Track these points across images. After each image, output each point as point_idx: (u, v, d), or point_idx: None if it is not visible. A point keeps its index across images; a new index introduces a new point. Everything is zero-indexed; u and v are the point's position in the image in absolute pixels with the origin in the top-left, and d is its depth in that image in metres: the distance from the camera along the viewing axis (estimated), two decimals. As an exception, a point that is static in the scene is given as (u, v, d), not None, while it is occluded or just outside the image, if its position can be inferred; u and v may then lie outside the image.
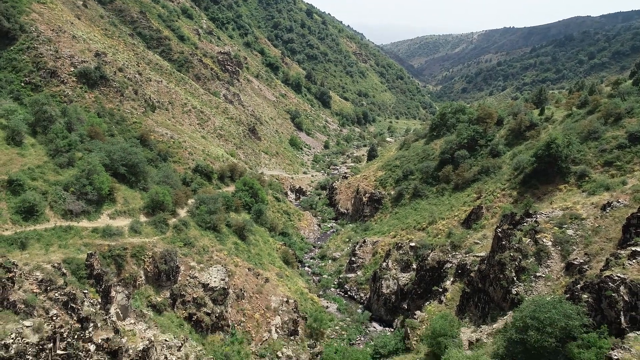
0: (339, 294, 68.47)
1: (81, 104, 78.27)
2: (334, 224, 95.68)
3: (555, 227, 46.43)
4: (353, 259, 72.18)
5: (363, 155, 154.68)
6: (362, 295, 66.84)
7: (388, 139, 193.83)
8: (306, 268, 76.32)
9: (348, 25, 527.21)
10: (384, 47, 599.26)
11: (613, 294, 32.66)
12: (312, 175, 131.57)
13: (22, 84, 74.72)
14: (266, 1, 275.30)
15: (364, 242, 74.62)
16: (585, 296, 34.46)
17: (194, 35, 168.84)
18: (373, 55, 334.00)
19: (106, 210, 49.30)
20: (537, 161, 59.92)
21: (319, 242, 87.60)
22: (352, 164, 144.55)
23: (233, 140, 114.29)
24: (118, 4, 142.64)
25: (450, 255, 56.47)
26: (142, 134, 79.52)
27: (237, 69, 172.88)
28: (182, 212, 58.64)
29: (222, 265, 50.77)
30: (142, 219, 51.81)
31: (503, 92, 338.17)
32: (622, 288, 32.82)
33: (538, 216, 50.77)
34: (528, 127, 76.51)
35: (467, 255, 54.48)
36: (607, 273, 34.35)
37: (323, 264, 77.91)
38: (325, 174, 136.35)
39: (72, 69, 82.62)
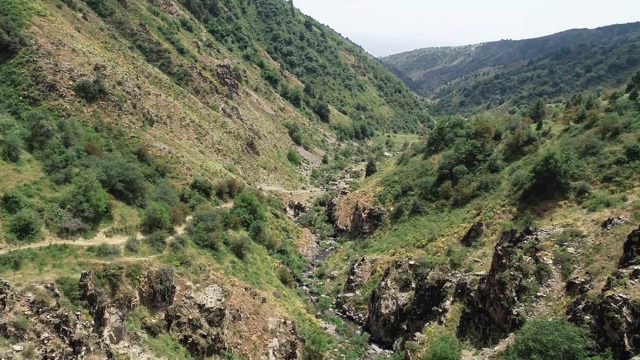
0: (337, 314, 67.56)
1: (79, 118, 78.05)
2: (333, 241, 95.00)
3: (555, 245, 45.99)
4: (352, 277, 71.44)
5: (361, 170, 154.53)
6: (360, 315, 65.98)
7: (386, 153, 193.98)
8: (304, 287, 75.47)
9: (347, 38, 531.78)
10: (383, 60, 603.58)
11: (616, 315, 32.14)
12: (311, 191, 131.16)
13: (21, 98, 74.48)
14: (265, 13, 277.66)
15: (363, 260, 73.95)
16: (587, 317, 33.91)
17: (193, 48, 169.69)
18: (372, 68, 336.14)
19: (103, 228, 48.74)
20: (536, 177, 59.69)
21: (317, 260, 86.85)
22: (351, 179, 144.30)
23: (231, 155, 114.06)
24: (118, 17, 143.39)
25: (449, 274, 55.86)
26: (140, 149, 79.19)
27: (236, 82, 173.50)
28: (180, 230, 58.08)
29: (218, 285, 50.06)
30: (139, 236, 51.22)
31: (500, 105, 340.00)
32: (624, 309, 32.29)
33: (538, 233, 50.33)
34: (526, 142, 76.49)
35: (467, 274, 53.88)
36: (609, 293, 33.84)
37: (321, 282, 77.10)
38: (324, 190, 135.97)
39: (71, 83, 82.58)
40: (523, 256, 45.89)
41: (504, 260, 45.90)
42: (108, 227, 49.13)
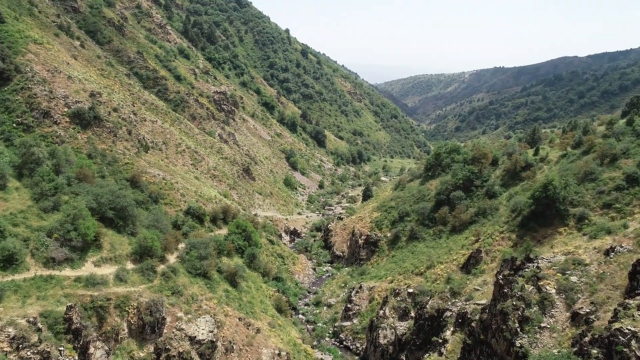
0: (334, 344, 65.31)
1: (73, 145, 77.39)
2: (330, 268, 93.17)
3: (558, 274, 44.72)
4: (349, 305, 69.52)
5: (358, 195, 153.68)
6: (358, 345, 63.83)
7: (383, 178, 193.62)
8: (300, 315, 73.34)
9: (342, 65, 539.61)
10: (378, 87, 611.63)
11: (624, 349, 30.77)
12: (307, 216, 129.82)
13: (14, 125, 73.86)
14: (262, 42, 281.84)
15: (360, 287, 72.18)
16: (594, 351, 32.51)
17: (190, 75, 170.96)
18: (367, 94, 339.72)
19: (91, 257, 47.23)
20: (534, 203, 58.84)
21: (313, 287, 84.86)
22: (347, 204, 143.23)
23: (227, 180, 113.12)
24: (115, 45, 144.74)
25: (449, 303, 54.24)
26: (134, 175, 78.25)
27: (233, 108, 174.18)
28: (172, 258, 56.52)
29: (210, 316, 48.27)
30: (129, 265, 49.66)
31: (496, 130, 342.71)
32: (633, 342, 30.96)
33: (539, 261, 49.08)
34: (523, 168, 75.99)
35: (468, 303, 52.32)
36: (617, 325, 32.51)
37: (318, 310, 75.02)
38: (320, 215, 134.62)
39: (66, 109, 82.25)
40: (525, 285, 44.56)
41: (505, 290, 44.51)
42: (97, 256, 47.63)
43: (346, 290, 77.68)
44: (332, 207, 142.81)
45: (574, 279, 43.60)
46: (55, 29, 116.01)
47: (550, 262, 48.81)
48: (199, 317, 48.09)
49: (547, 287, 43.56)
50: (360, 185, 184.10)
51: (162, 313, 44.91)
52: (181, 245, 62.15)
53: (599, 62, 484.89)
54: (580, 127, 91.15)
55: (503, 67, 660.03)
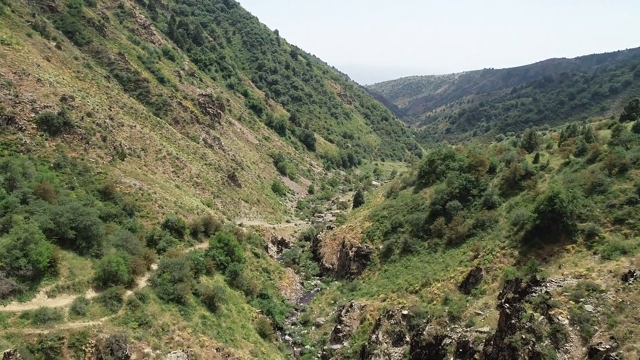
0: (323, 370, 60.27)
1: (40, 154, 71.47)
2: (319, 282, 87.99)
3: (571, 301, 40.04)
4: (339, 326, 64.41)
5: (349, 200, 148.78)
6: (349, 372, 58.76)
7: (374, 182, 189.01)
8: (287, 336, 68.07)
9: (333, 67, 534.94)
10: (368, 88, 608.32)
11: (658, 401, 26.05)
12: (296, 224, 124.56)
13: (-27, 133, 67.84)
14: (250, 43, 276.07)
15: (351, 306, 67.12)
16: (622, 401, 27.81)
17: (174, 77, 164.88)
18: (358, 96, 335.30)
19: (44, 287, 41.53)
20: (539, 217, 54.21)
21: (301, 304, 79.61)
22: (338, 211, 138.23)
23: (210, 188, 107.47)
24: (95, 46, 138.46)
25: (448, 329, 49.42)
26: (107, 186, 72.54)
27: (219, 111, 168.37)
28: (142, 281, 50.94)
29: (183, 350, 42.87)
30: (90, 294, 44.04)
31: (487, 132, 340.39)
32: (668, 392, 26.29)
33: (548, 284, 44.42)
34: (523, 176, 71.58)
35: (469, 329, 47.53)
36: (646, 370, 27.91)
37: (305, 330, 69.83)
38: (310, 222, 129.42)
39: (33, 115, 76.17)
40: (534, 314, 39.89)
41: (513, 320, 39.76)
42: (51, 285, 41.94)
43: (336, 307, 72.65)
44: (322, 214, 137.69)
45: (589, 307, 38.96)
46: (28, 29, 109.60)
47: (561, 286, 44.13)
48: (170, 351, 42.68)
49: (560, 317, 38.86)
50: (351, 189, 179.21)
51: (126, 350, 39.42)
52: (154, 266, 56.61)
53: (588, 64, 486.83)
54: (580, 132, 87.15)
55: (492, 68, 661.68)
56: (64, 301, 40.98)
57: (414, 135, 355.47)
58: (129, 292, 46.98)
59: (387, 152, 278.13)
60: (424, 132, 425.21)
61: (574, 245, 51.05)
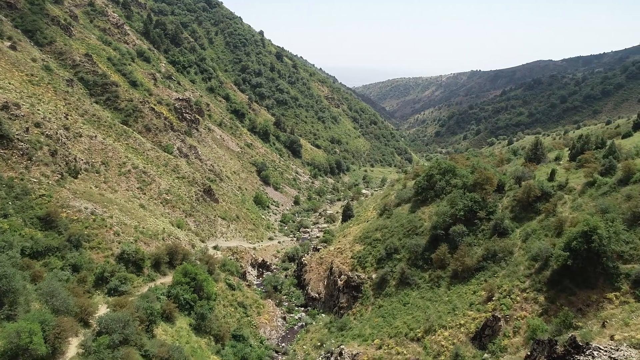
0: None
1: (-31, 174, 59.74)
2: (303, 315, 77.19)
3: (634, 386, 30.04)
4: (326, 384, 53.76)
5: (337, 212, 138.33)
6: None
7: (364, 190, 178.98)
8: (264, 393, 57.25)
9: (320, 69, 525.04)
10: (356, 90, 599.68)
11: None
12: (279, 242, 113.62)
13: None
14: (234, 44, 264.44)
15: (341, 354, 56.43)
16: None
17: (149, 80, 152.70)
18: (345, 99, 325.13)
19: None
20: (571, 256, 44.14)
21: (283, 345, 68.65)
22: (325, 225, 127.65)
23: (182, 206, 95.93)
24: (58, 46, 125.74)
25: (465, 405, 39.06)
26: (49, 212, 60.89)
27: (197, 117, 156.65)
28: (72, 348, 39.56)
29: None
30: (-10, 378, 32.71)
31: (477, 136, 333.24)
32: None
33: (595, 353, 34.47)
34: (538, 197, 61.79)
35: (492, 408, 37.26)
36: None
37: (287, 384, 59.08)
38: (295, 239, 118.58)
39: (-37, 128, 64.36)
40: (586, 404, 29.84)
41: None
42: None
43: (322, 352, 61.83)
44: (307, 230, 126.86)
45: (663, 398, 29.12)
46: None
47: (612, 356, 34.24)
48: None
49: (623, 411, 28.93)
50: (339, 199, 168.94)
51: None
52: (98, 315, 45.33)
53: (574, 66, 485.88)
54: (594, 142, 77.86)
55: (479, 70, 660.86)
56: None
57: (403, 139, 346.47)
58: (49, 369, 35.70)
59: (376, 157, 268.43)
60: (412, 135, 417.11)
61: (617, 293, 41.10)
